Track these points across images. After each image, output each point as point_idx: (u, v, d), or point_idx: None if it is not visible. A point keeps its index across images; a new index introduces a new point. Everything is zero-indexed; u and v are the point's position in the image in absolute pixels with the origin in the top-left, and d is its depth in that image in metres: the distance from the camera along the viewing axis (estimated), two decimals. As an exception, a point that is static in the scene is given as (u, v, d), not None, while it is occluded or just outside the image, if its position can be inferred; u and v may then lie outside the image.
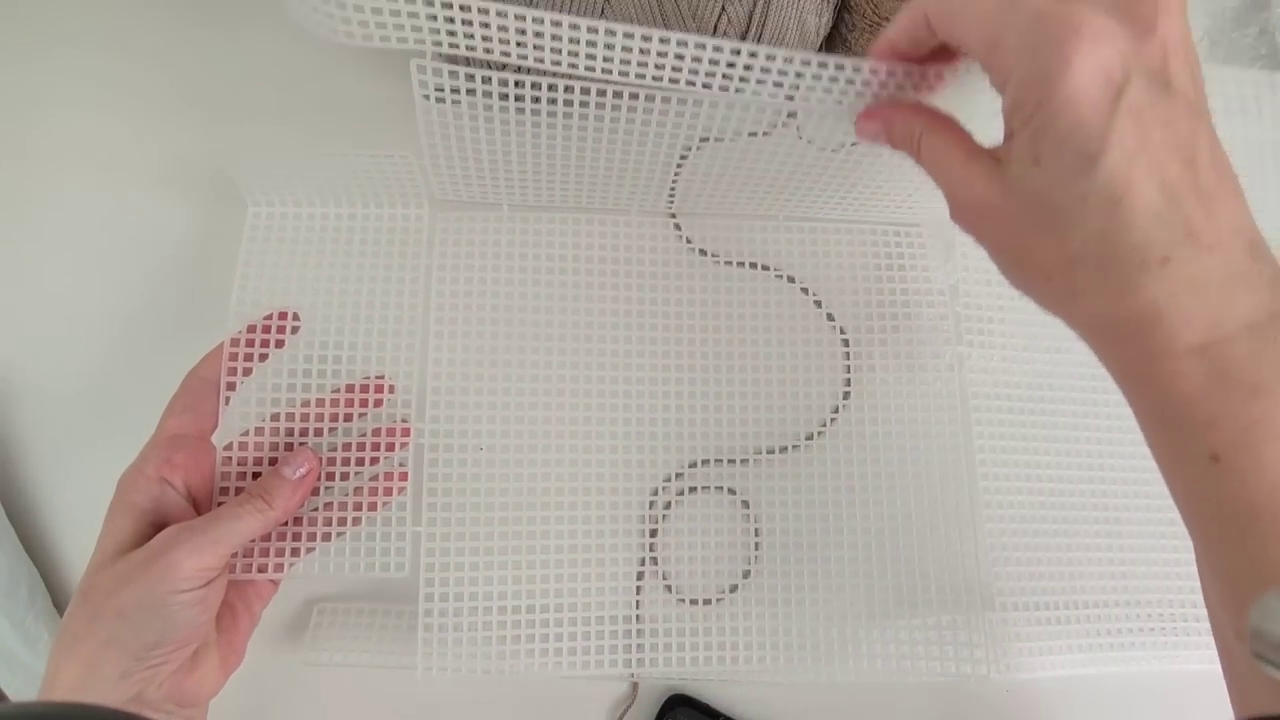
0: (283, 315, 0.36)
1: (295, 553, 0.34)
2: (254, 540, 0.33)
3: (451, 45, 0.30)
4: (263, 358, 0.35)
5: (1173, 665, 0.39)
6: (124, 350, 0.40)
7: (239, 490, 0.34)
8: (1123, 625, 0.39)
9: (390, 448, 0.36)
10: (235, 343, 0.35)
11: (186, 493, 0.32)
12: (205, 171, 0.42)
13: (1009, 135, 0.24)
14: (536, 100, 0.33)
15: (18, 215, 0.42)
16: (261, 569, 0.34)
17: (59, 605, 0.37)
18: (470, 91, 0.33)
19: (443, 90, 0.33)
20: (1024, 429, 0.41)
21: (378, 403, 0.37)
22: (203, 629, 0.31)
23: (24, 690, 0.35)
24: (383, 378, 0.37)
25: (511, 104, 0.34)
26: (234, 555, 0.33)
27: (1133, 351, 0.23)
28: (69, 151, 0.43)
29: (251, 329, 0.36)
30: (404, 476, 0.36)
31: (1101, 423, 0.41)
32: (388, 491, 0.35)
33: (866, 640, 0.37)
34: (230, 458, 0.34)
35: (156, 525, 0.31)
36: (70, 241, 0.41)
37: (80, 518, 0.38)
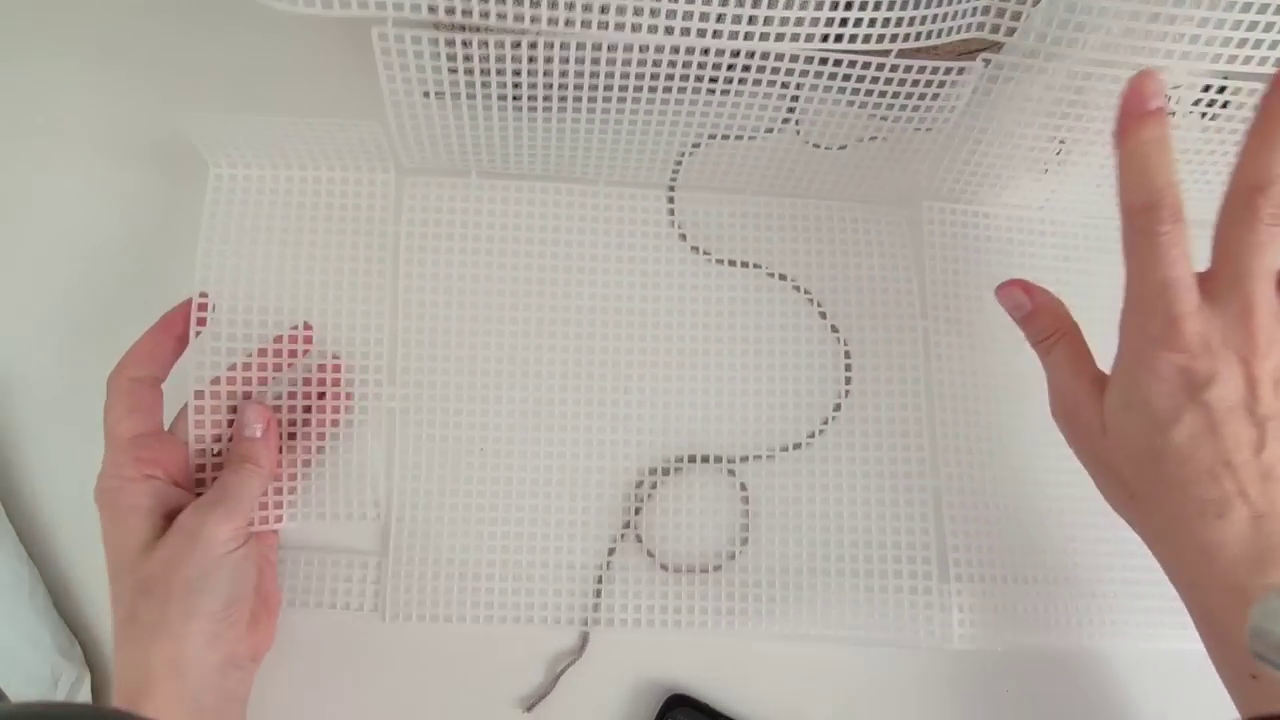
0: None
1: (282, 502, 0.36)
2: None
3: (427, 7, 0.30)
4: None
5: (1133, 643, 0.40)
6: (123, 348, 0.39)
7: (216, 465, 0.35)
8: (1081, 603, 0.40)
9: (335, 381, 0.38)
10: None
11: (172, 481, 0.34)
12: (187, 153, 0.41)
13: (1113, 374, 0.31)
14: (530, 98, 0.34)
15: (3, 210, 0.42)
16: (265, 521, 0.36)
17: (59, 605, 0.37)
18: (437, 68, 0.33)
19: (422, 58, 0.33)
20: (987, 405, 0.42)
21: (307, 340, 0.38)
22: (253, 582, 0.33)
23: (24, 690, 0.34)
24: (307, 326, 0.39)
25: (489, 100, 0.34)
26: None
27: (1187, 577, 0.30)
28: (40, 133, 0.43)
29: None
30: (348, 397, 0.38)
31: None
32: (335, 411, 0.38)
33: (836, 599, 0.39)
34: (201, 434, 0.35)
35: (167, 516, 0.33)
36: (70, 242, 0.41)
37: (80, 517, 0.37)
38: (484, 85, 0.34)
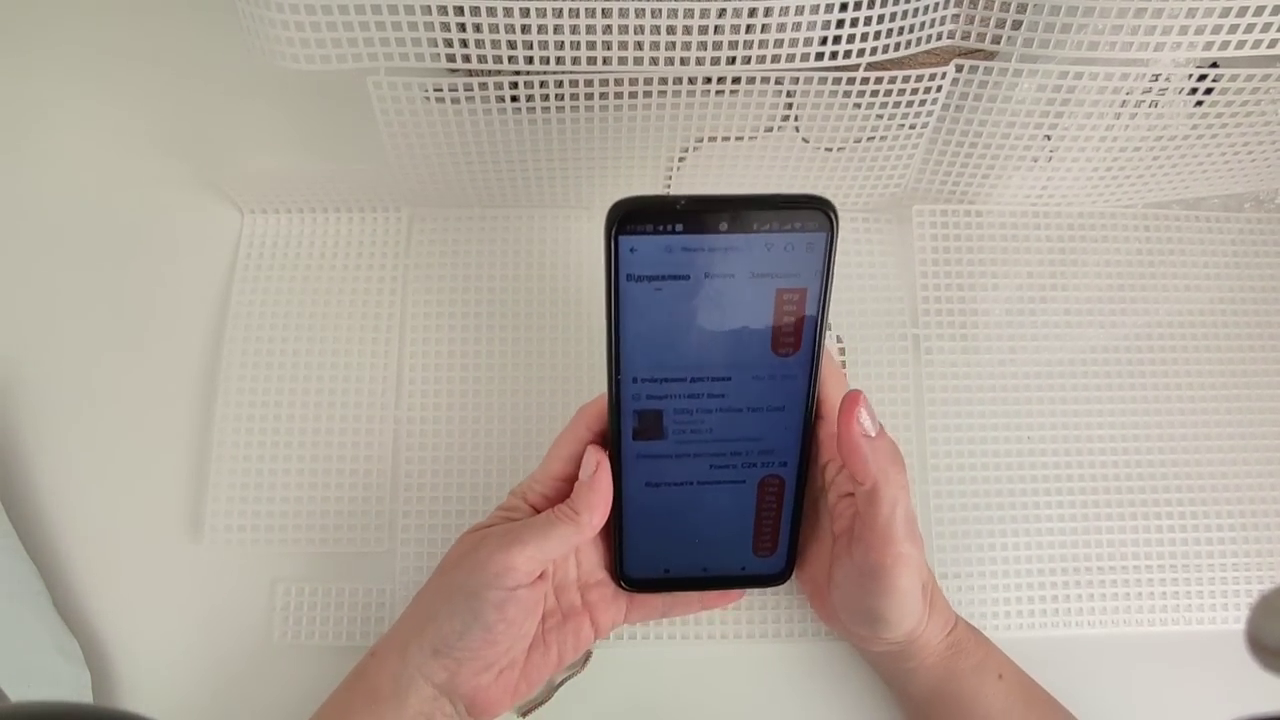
0: None
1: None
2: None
3: (416, 58, 0.33)
4: None
5: (1114, 629, 0.39)
6: (124, 350, 0.41)
7: None
8: (1070, 591, 0.40)
9: None
10: None
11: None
12: (198, 177, 0.44)
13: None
14: (528, 98, 0.36)
15: (18, 217, 0.43)
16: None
17: (59, 605, 0.37)
18: (440, 99, 0.36)
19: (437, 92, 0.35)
20: (974, 405, 0.42)
21: None
22: (502, 644, 0.30)
23: (24, 690, 0.34)
24: None
25: (489, 103, 0.36)
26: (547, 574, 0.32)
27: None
28: (65, 156, 0.45)
29: None
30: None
31: (1042, 397, 0.42)
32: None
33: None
34: None
35: None
36: (71, 244, 0.43)
37: (80, 517, 0.39)
38: (482, 87, 0.35)
